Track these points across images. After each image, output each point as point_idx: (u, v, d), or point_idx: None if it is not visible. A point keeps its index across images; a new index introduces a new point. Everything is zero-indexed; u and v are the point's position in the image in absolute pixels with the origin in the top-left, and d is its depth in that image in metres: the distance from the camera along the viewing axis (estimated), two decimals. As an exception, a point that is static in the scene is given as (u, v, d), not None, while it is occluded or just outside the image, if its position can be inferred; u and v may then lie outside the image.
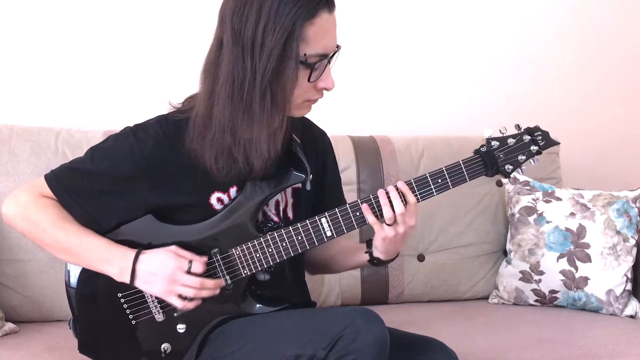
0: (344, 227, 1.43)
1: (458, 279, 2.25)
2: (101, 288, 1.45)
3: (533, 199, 2.20)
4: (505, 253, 2.28)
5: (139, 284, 1.40)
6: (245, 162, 1.40)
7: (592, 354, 1.74)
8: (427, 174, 1.43)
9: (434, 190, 1.43)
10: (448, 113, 2.63)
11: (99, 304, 1.48)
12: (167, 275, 1.38)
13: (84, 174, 1.43)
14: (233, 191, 1.46)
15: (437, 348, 1.47)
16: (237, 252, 1.43)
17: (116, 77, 2.36)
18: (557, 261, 2.11)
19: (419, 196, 1.42)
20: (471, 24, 2.65)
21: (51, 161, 1.96)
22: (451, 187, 1.43)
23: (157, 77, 2.36)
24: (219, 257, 1.43)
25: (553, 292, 2.13)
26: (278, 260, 1.44)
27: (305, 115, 1.46)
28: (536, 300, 2.16)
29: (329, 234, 1.43)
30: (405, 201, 1.40)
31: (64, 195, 1.43)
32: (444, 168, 1.43)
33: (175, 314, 1.45)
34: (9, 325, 1.85)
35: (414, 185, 1.42)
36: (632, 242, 2.10)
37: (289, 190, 1.53)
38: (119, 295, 1.45)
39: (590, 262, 2.08)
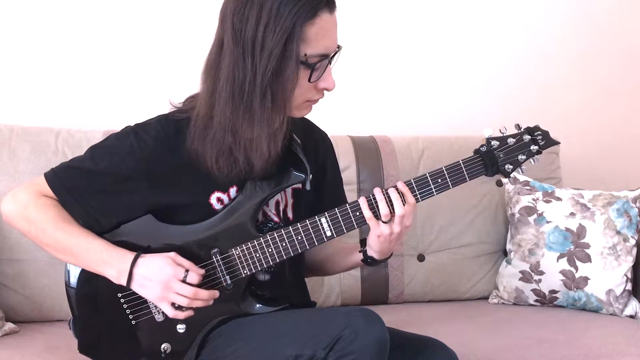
0: (343, 227, 1.42)
1: (458, 279, 2.25)
2: (101, 288, 1.45)
3: (533, 199, 2.20)
4: (505, 253, 2.28)
5: (135, 287, 1.40)
6: (246, 162, 1.40)
7: (592, 354, 1.74)
8: (427, 174, 1.43)
9: (433, 190, 1.42)
10: (448, 113, 2.63)
11: (99, 304, 1.47)
12: (162, 281, 1.38)
13: (84, 172, 1.43)
14: (233, 191, 1.46)
15: (437, 348, 1.46)
16: (237, 252, 1.43)
17: (116, 77, 2.36)
18: (557, 261, 2.11)
19: (418, 196, 1.42)
20: (471, 24, 2.65)
21: (51, 161, 1.95)
22: (451, 187, 1.43)
23: (158, 77, 2.36)
24: (218, 257, 1.43)
25: (553, 292, 2.13)
26: (278, 260, 1.44)
27: (306, 116, 1.46)
28: (536, 300, 2.16)
29: (328, 234, 1.43)
30: (404, 201, 1.40)
31: (64, 194, 1.43)
32: (444, 168, 1.43)
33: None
34: (9, 325, 1.85)
35: (413, 185, 1.42)
36: (632, 242, 2.10)
37: (289, 191, 1.53)
38: (119, 295, 1.45)
39: (590, 262, 2.08)
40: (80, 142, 2.03)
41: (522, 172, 1.46)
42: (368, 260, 1.51)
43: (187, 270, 1.39)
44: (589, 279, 2.08)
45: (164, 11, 2.38)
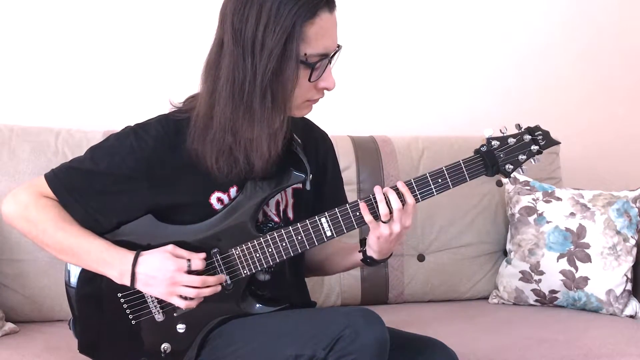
0: (344, 227, 1.42)
1: (458, 279, 2.25)
2: (101, 288, 1.45)
3: (533, 199, 2.20)
4: (505, 253, 2.28)
5: (139, 286, 1.40)
6: (246, 162, 1.40)
7: (592, 354, 1.74)
8: (427, 174, 1.42)
9: (434, 190, 1.42)
10: (448, 113, 2.63)
11: (98, 303, 1.47)
12: (167, 277, 1.38)
13: (85, 173, 1.43)
14: (233, 191, 1.46)
15: (437, 348, 1.46)
16: (237, 252, 1.43)
17: (116, 77, 2.36)
18: (557, 261, 2.11)
19: (419, 196, 1.42)
20: (471, 24, 2.65)
21: (51, 161, 1.95)
22: (451, 186, 1.43)
23: (158, 77, 2.36)
24: (218, 257, 1.43)
25: (553, 292, 2.12)
26: (278, 260, 1.44)
27: (306, 115, 1.46)
28: (536, 300, 2.16)
29: (329, 234, 1.43)
30: (403, 201, 1.40)
31: (64, 195, 1.43)
32: (444, 168, 1.43)
33: (175, 314, 1.45)
34: (9, 325, 1.85)
35: (414, 185, 1.42)
36: (632, 242, 2.10)
37: (289, 191, 1.53)
38: (119, 295, 1.45)
39: (590, 262, 2.08)
40: (80, 142, 2.03)
41: (523, 172, 1.46)
42: (367, 260, 1.51)
43: (189, 260, 1.39)
44: (589, 279, 2.08)
45: (164, 11, 2.38)
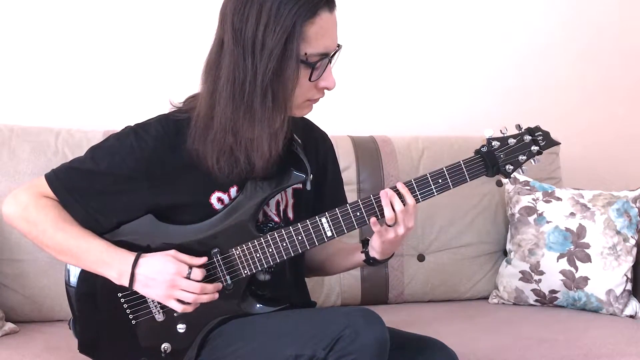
0: (344, 227, 1.42)
1: (458, 279, 2.25)
2: (101, 288, 1.45)
3: (533, 199, 2.20)
4: (505, 253, 2.28)
5: (138, 287, 1.40)
6: (247, 162, 1.40)
7: (592, 354, 1.74)
8: (428, 174, 1.43)
9: (434, 190, 1.42)
10: (448, 113, 2.63)
11: (99, 303, 1.47)
12: (166, 280, 1.38)
13: (85, 173, 1.43)
14: (233, 191, 1.46)
15: (437, 348, 1.46)
16: (238, 252, 1.43)
17: (116, 77, 2.36)
18: (557, 261, 2.11)
19: (419, 196, 1.42)
20: (471, 24, 2.65)
21: (51, 161, 1.95)
22: (452, 187, 1.43)
23: (158, 77, 2.36)
24: (219, 257, 1.43)
25: (553, 292, 2.13)
26: (278, 261, 1.44)
27: (306, 116, 1.46)
28: (536, 300, 2.16)
29: (329, 234, 1.43)
30: (404, 202, 1.40)
31: (64, 195, 1.43)
32: (444, 168, 1.43)
33: (175, 314, 1.45)
34: (9, 325, 1.85)
35: (414, 185, 1.42)
36: (632, 242, 2.10)
37: (289, 191, 1.53)
38: (119, 295, 1.45)
39: (590, 262, 2.08)
40: (80, 142, 2.03)
41: (523, 172, 1.46)
42: (370, 261, 1.51)
43: (190, 267, 1.39)
44: (589, 279, 2.08)
45: (163, 11, 2.38)
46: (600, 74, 2.77)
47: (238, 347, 1.38)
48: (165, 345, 1.46)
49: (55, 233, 1.41)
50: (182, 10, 2.39)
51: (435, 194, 1.43)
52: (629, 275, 2.08)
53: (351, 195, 2.06)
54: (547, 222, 2.15)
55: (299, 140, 1.50)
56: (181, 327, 1.45)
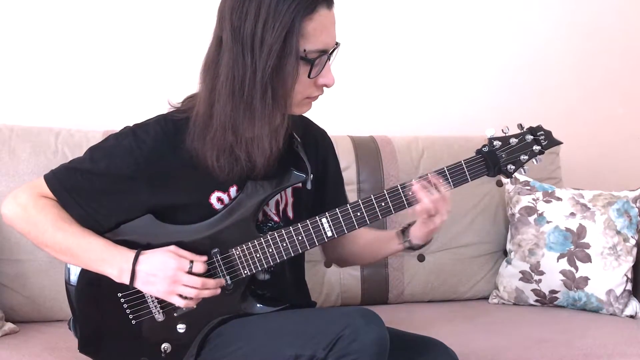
0: (344, 227, 1.42)
1: (458, 279, 2.25)
2: (101, 287, 1.45)
3: (533, 199, 2.20)
4: (505, 253, 2.27)
5: (138, 285, 1.40)
6: (248, 160, 1.40)
7: (592, 354, 1.74)
8: (429, 175, 1.43)
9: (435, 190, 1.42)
10: (448, 113, 2.63)
11: (99, 303, 1.48)
12: (168, 275, 1.38)
13: (84, 173, 1.43)
14: (233, 191, 1.46)
15: (437, 348, 1.47)
16: (237, 252, 1.43)
17: (116, 77, 2.36)
18: (557, 261, 2.11)
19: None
20: (471, 24, 2.65)
21: (51, 161, 1.95)
22: (453, 187, 1.43)
23: (157, 77, 2.36)
24: (219, 257, 1.43)
25: (553, 292, 2.12)
26: (278, 260, 1.44)
27: (305, 115, 1.46)
28: (536, 300, 2.16)
29: (329, 234, 1.43)
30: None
31: (63, 196, 1.43)
32: (445, 168, 1.43)
33: (175, 314, 1.45)
34: (9, 325, 1.85)
35: (415, 185, 1.42)
36: (632, 242, 2.10)
37: (288, 190, 1.53)
38: (119, 295, 1.45)
39: (591, 262, 2.08)
40: (80, 142, 2.03)
41: (525, 172, 1.46)
42: (414, 248, 1.54)
43: (191, 261, 1.39)
44: (589, 279, 2.08)
45: (163, 11, 2.38)
46: (600, 74, 2.77)
47: (238, 347, 1.38)
48: (165, 345, 1.46)
49: (55, 233, 1.41)
50: (180, 10, 2.39)
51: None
52: (629, 276, 2.08)
53: (351, 195, 2.06)
54: (547, 222, 2.15)
55: (299, 139, 1.50)
56: (181, 327, 1.45)
